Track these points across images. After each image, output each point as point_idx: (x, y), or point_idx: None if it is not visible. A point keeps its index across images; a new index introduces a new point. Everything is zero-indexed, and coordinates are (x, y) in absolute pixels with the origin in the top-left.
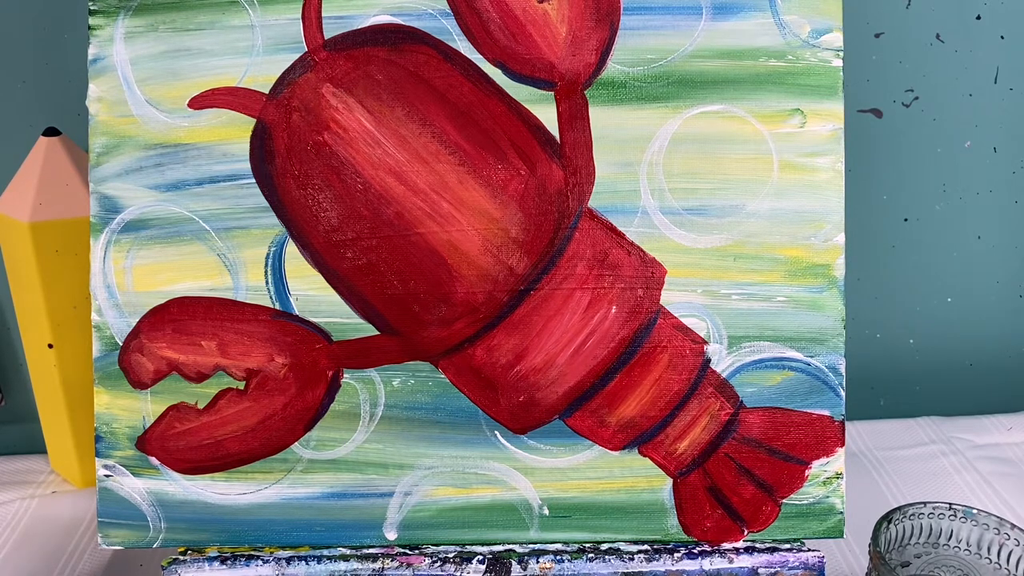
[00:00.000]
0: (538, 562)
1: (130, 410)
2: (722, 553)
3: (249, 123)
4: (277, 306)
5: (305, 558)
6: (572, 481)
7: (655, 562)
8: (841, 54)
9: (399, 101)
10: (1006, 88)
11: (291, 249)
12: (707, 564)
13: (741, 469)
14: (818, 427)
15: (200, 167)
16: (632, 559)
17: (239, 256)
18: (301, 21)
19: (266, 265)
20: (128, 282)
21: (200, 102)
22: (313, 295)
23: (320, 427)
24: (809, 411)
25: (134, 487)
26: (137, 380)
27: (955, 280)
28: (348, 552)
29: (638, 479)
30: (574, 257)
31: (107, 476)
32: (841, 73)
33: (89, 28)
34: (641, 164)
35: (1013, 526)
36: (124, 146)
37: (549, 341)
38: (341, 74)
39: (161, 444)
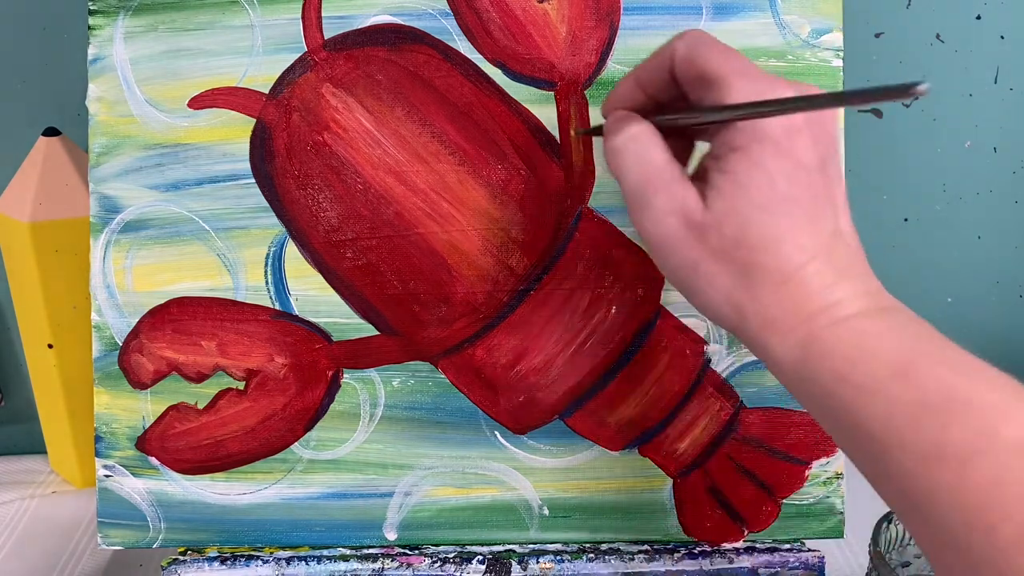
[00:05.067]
0: (538, 562)
1: (130, 410)
2: (722, 553)
3: (249, 123)
4: (277, 306)
5: (305, 558)
6: (572, 481)
7: (655, 562)
8: (841, 54)
9: (399, 101)
10: (1006, 88)
11: (291, 249)
12: (707, 564)
13: (741, 469)
14: (818, 427)
15: (200, 167)
16: (632, 559)
17: (239, 256)
18: (301, 21)
19: (266, 265)
20: (128, 282)
21: (200, 102)
22: (313, 295)
23: (320, 427)
24: None
25: (134, 487)
26: (137, 380)
27: (955, 280)
28: (348, 552)
29: (638, 479)
30: (574, 257)
31: (107, 476)
32: (841, 73)
33: (89, 28)
34: None
35: None
36: (124, 146)
37: (549, 341)
38: (341, 74)
39: (161, 444)
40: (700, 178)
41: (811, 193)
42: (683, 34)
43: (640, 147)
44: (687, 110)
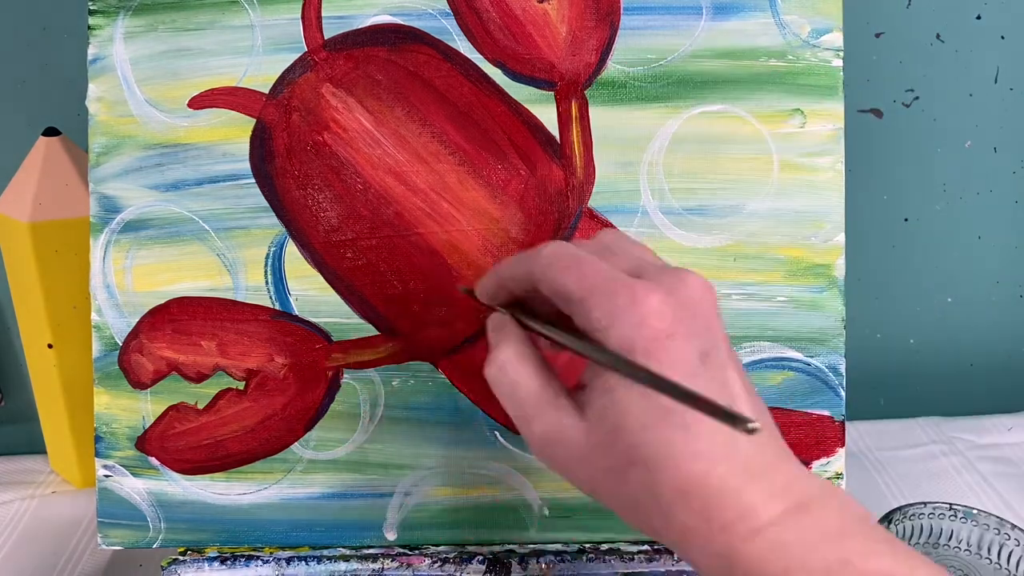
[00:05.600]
0: (538, 562)
1: (130, 410)
2: None
3: (249, 123)
4: (277, 306)
5: (305, 558)
6: None
7: (655, 562)
8: (841, 54)
9: (399, 101)
10: (1006, 88)
11: (291, 249)
12: None
13: None
14: (818, 427)
15: (200, 167)
16: (632, 559)
17: (239, 256)
18: (301, 21)
19: (266, 265)
20: (128, 282)
21: (200, 102)
22: (313, 295)
23: (320, 427)
24: (809, 411)
25: (134, 487)
26: (137, 380)
27: (955, 280)
28: (348, 552)
29: None
30: None
31: (107, 476)
32: (841, 73)
33: (89, 28)
34: (641, 164)
35: (1013, 526)
36: (124, 146)
37: None
38: (341, 74)
39: (161, 444)
40: (585, 384)
41: None
42: (543, 249)
43: (509, 378)
44: (555, 328)
